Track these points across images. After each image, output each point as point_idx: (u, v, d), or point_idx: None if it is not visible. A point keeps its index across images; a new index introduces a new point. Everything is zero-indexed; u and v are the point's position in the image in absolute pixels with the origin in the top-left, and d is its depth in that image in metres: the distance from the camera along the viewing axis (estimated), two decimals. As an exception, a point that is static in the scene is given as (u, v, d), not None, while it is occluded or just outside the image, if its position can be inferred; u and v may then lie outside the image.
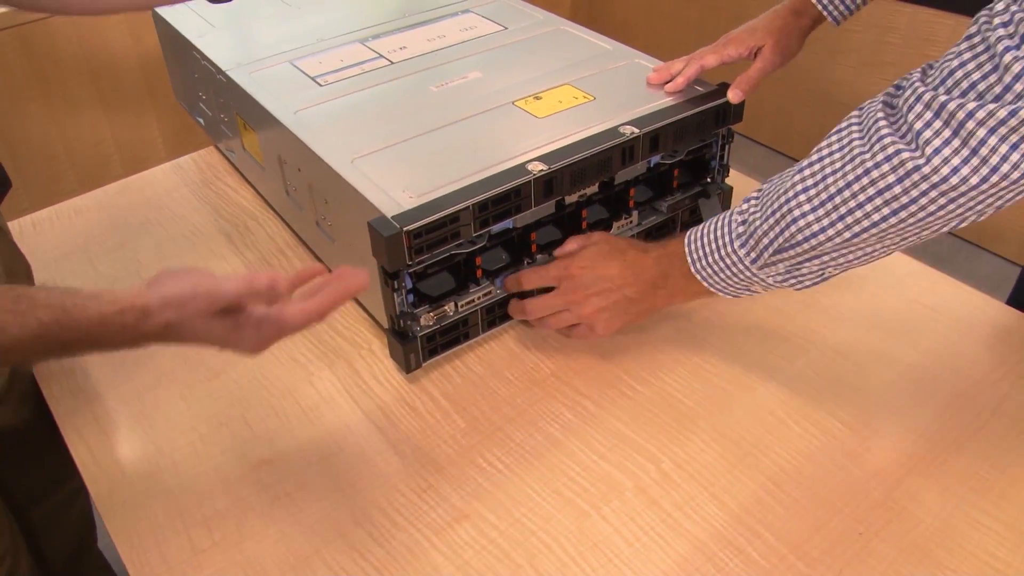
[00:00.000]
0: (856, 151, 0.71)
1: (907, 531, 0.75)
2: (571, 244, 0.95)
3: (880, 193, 0.69)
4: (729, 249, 0.82)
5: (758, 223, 0.79)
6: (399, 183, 0.88)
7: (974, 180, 0.64)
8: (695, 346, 0.95)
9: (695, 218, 1.10)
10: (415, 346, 0.91)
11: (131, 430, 0.90)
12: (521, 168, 0.89)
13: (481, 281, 0.94)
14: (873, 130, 0.70)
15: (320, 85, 1.06)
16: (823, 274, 0.80)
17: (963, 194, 0.66)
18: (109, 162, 2.13)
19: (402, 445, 0.86)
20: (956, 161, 0.64)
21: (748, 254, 0.80)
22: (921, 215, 0.69)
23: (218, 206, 1.23)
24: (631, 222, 1.05)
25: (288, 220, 1.16)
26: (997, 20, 0.63)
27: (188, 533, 0.79)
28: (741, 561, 0.74)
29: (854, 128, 0.73)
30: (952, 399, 0.87)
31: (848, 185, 0.71)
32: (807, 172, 0.76)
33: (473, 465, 0.83)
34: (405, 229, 0.81)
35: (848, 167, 0.72)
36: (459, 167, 0.90)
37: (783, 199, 0.77)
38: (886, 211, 0.70)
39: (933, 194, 0.66)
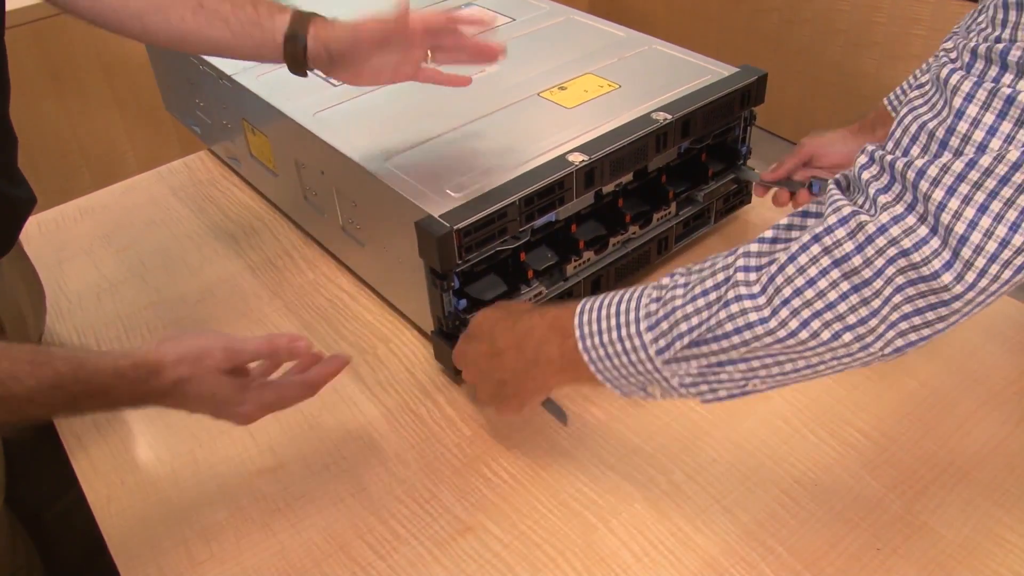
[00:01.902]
0: (810, 222, 0.61)
1: (927, 548, 0.72)
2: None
3: (836, 264, 0.57)
4: (633, 330, 0.66)
5: (679, 302, 0.64)
6: (439, 181, 0.86)
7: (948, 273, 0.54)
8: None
9: (728, 206, 1.09)
10: None
11: (131, 438, 0.88)
12: (562, 160, 0.87)
13: (532, 282, 0.92)
14: (827, 202, 0.59)
15: (334, 85, 1.04)
16: (744, 386, 0.65)
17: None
18: (124, 160, 2.12)
19: (406, 454, 0.84)
20: (922, 231, 0.54)
21: (656, 340, 0.65)
22: (884, 290, 0.56)
23: (224, 207, 1.21)
24: (669, 213, 1.03)
25: (305, 226, 1.14)
26: (943, 56, 0.57)
27: (186, 544, 0.77)
28: (754, 577, 0.71)
29: (811, 208, 0.63)
30: (975, 408, 0.84)
31: (792, 259, 0.58)
32: (752, 248, 0.63)
33: (478, 475, 0.81)
34: (456, 227, 0.79)
35: (795, 242, 0.59)
36: (497, 162, 0.88)
37: (720, 276, 0.63)
38: (845, 286, 0.57)
39: (900, 263, 0.55)
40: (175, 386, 0.69)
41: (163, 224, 1.18)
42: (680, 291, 0.65)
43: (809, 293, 0.58)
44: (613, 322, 0.68)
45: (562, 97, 0.99)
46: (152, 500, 0.81)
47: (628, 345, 0.67)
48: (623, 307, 0.68)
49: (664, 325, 0.65)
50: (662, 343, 0.65)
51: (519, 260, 0.90)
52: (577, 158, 0.87)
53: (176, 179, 1.28)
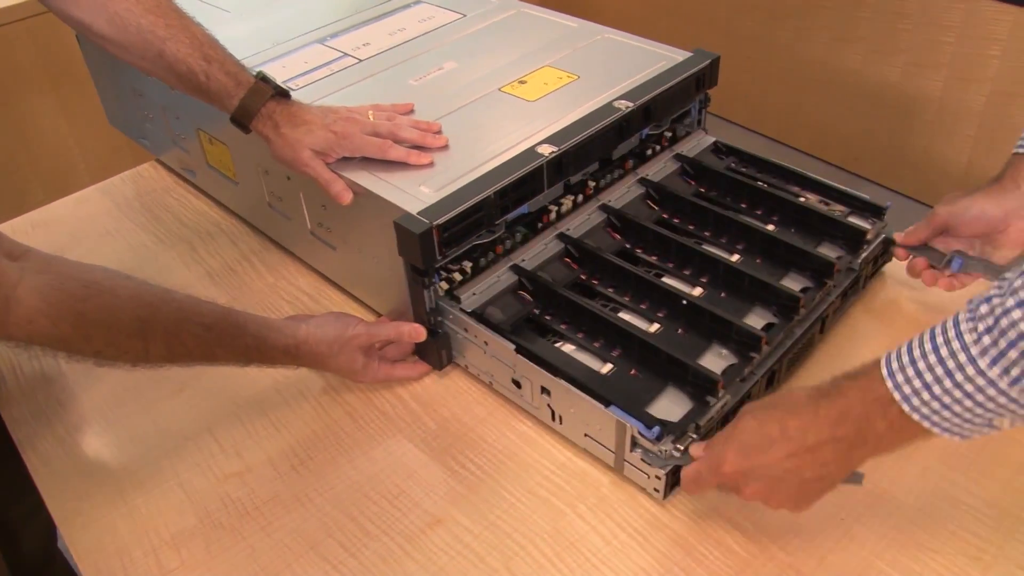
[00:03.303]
0: None
1: (888, 515, 0.74)
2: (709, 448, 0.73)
3: None
4: (971, 371, 0.60)
5: (1017, 316, 0.57)
6: (411, 180, 0.87)
7: None
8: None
9: (875, 269, 0.96)
10: (446, 341, 0.89)
11: (94, 449, 0.88)
12: (531, 152, 0.88)
13: (719, 392, 0.78)
14: None
15: (293, 89, 1.04)
16: None
17: None
18: (76, 172, 2.09)
19: (372, 450, 0.84)
20: None
21: (1006, 372, 0.58)
22: None
23: (180, 214, 1.20)
24: (831, 286, 0.90)
25: (269, 232, 1.13)
26: None
27: (155, 553, 0.77)
28: (722, 553, 0.72)
29: None
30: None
31: None
32: None
33: (445, 468, 0.81)
34: (435, 224, 0.80)
35: None
36: (467, 158, 0.89)
37: None
38: None
39: None
40: (320, 362, 0.87)
41: (118, 234, 1.17)
42: (1018, 313, 0.58)
43: None
44: (940, 371, 0.61)
45: (523, 91, 1.00)
46: (120, 511, 0.81)
47: (970, 388, 0.60)
48: (943, 352, 0.61)
49: (1013, 354, 0.58)
50: (1016, 372, 0.58)
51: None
52: (546, 149, 0.88)
53: (130, 189, 1.27)
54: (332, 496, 0.80)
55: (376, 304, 0.98)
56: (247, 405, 0.90)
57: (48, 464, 0.86)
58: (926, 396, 0.62)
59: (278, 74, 1.07)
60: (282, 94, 0.90)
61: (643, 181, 1.02)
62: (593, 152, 0.94)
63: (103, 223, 1.20)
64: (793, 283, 0.89)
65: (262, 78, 0.89)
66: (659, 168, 1.04)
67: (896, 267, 0.97)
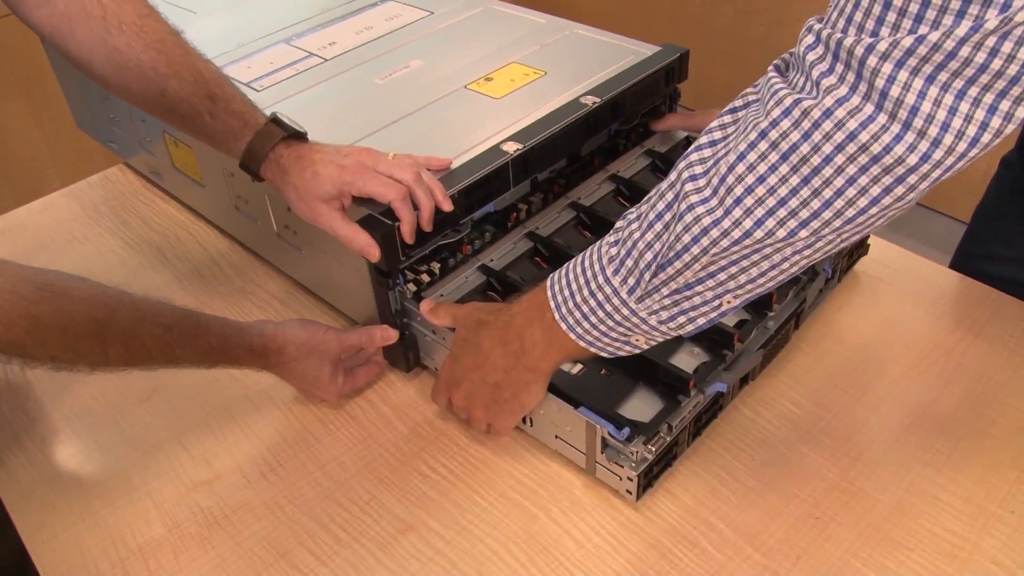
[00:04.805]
0: (750, 118, 0.59)
1: (864, 513, 0.73)
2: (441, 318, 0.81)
3: (784, 158, 0.55)
4: (601, 280, 0.65)
5: (637, 235, 0.63)
6: None
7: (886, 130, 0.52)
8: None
9: (851, 261, 0.97)
10: (413, 343, 0.88)
11: (61, 460, 0.86)
12: (496, 150, 0.87)
13: (691, 391, 0.77)
14: (767, 90, 0.58)
15: (257, 91, 1.03)
16: (718, 306, 0.64)
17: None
18: (46, 177, 2.07)
19: (343, 456, 0.82)
20: (867, 109, 0.52)
21: (625, 281, 0.64)
22: (835, 179, 0.54)
23: (148, 218, 1.18)
24: (803, 281, 0.89)
25: (236, 235, 1.11)
26: None
27: (123, 564, 0.75)
28: (696, 555, 0.71)
29: (749, 96, 0.62)
30: (905, 372, 0.85)
31: (741, 157, 0.57)
32: (693, 157, 0.62)
33: (416, 473, 0.80)
34: (398, 224, 0.79)
35: (742, 138, 0.58)
36: (435, 156, 0.87)
37: (669, 196, 0.62)
38: (795, 180, 0.55)
39: (848, 149, 0.53)
40: (286, 365, 0.83)
41: (85, 240, 1.15)
42: (635, 224, 0.64)
43: (760, 190, 0.57)
44: (582, 280, 0.66)
45: (489, 88, 0.99)
46: (86, 523, 0.79)
47: (600, 297, 0.65)
48: (587, 262, 0.66)
49: (629, 262, 0.63)
50: (631, 281, 0.63)
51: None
52: (511, 147, 0.87)
53: (97, 193, 1.25)
54: (303, 503, 0.79)
55: (345, 308, 0.96)
56: (216, 411, 0.88)
57: (13, 475, 0.84)
58: (571, 304, 0.67)
59: (243, 75, 1.05)
60: (297, 136, 0.82)
61: (614, 178, 1.01)
62: (560, 149, 0.92)
63: (69, 229, 1.18)
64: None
65: (274, 119, 0.82)
66: (629, 164, 1.03)
67: (871, 261, 0.97)
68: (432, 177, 0.82)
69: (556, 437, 0.78)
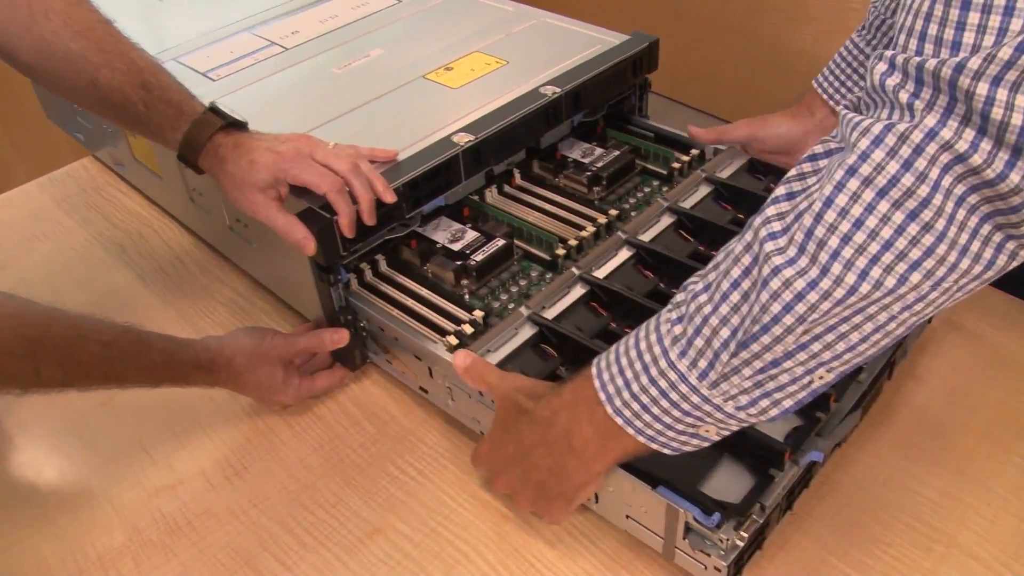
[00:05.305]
0: (835, 161, 0.51)
1: (841, 507, 0.72)
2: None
3: (882, 194, 0.47)
4: (664, 364, 0.55)
5: (708, 309, 0.54)
6: None
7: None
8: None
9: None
10: (361, 341, 0.85)
11: (17, 467, 0.84)
12: (447, 141, 0.84)
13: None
14: (847, 127, 0.50)
15: (213, 80, 1.00)
16: (809, 384, 0.54)
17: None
18: (9, 171, 2.03)
19: (309, 458, 0.80)
20: (968, 134, 0.45)
21: (694, 364, 0.54)
22: (946, 205, 0.47)
23: (110, 215, 1.15)
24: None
25: (193, 228, 1.09)
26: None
27: (81, 575, 0.73)
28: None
29: (831, 144, 0.54)
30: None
31: (829, 203, 0.49)
32: (770, 212, 0.53)
33: (384, 474, 0.78)
34: (336, 217, 0.76)
35: (825, 180, 0.50)
36: (381, 148, 0.85)
37: (746, 260, 0.53)
38: (899, 217, 0.47)
39: (956, 169, 0.46)
40: (237, 377, 0.80)
41: (45, 237, 1.12)
42: (704, 297, 0.54)
43: (859, 237, 0.48)
44: (639, 366, 0.56)
45: (448, 78, 0.96)
46: (44, 532, 0.76)
47: (664, 384, 0.55)
48: (643, 344, 0.57)
49: (699, 342, 0.54)
50: (703, 363, 0.54)
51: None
52: (463, 138, 0.84)
53: (58, 189, 1.22)
54: (268, 507, 0.77)
55: (298, 305, 0.93)
56: (179, 414, 0.86)
57: (-32, 484, 0.82)
58: (627, 395, 0.57)
59: (201, 64, 1.03)
60: (236, 125, 0.79)
61: (674, 209, 0.90)
62: (517, 140, 0.90)
63: (29, 227, 1.15)
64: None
65: (212, 108, 0.79)
66: (689, 193, 0.93)
67: (977, 312, 0.89)
68: (372, 169, 0.79)
69: (627, 517, 0.68)
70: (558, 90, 0.91)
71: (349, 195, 0.76)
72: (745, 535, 0.61)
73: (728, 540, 0.61)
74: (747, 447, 0.67)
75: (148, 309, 0.99)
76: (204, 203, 0.99)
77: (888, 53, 0.48)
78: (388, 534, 0.73)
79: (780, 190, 0.54)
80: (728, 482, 0.67)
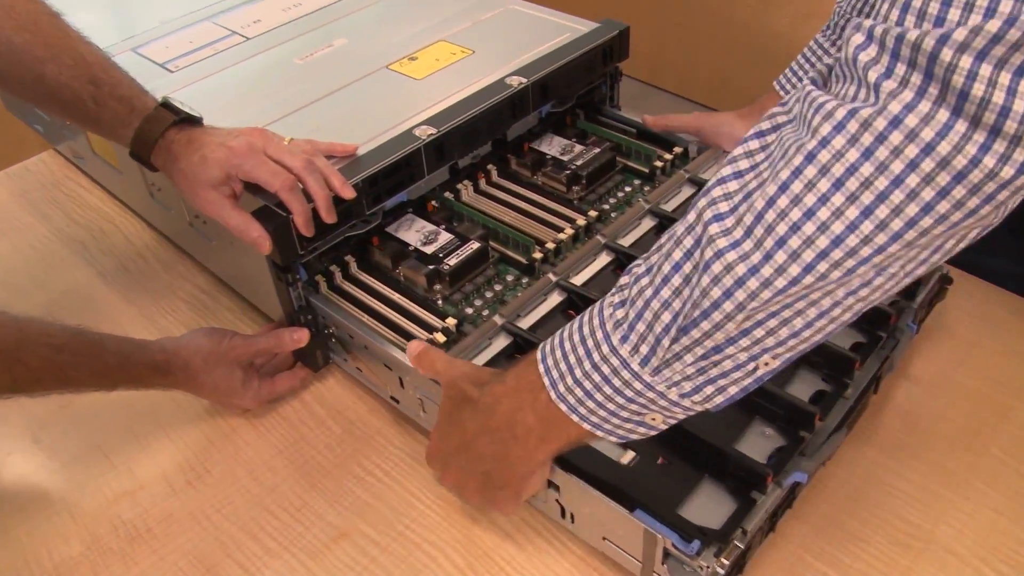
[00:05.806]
0: (789, 140, 0.48)
1: (818, 505, 0.70)
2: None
3: (838, 185, 0.45)
4: (606, 349, 0.53)
5: (649, 292, 0.52)
6: None
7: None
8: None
9: (929, 310, 0.82)
10: (322, 342, 0.83)
11: (-29, 473, 0.81)
12: (408, 135, 0.82)
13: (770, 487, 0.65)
14: (807, 105, 0.48)
15: (171, 71, 0.97)
16: (754, 370, 0.52)
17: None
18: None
19: (274, 460, 0.78)
20: (941, 116, 0.42)
21: (636, 349, 0.52)
22: (907, 207, 0.44)
23: (70, 210, 1.12)
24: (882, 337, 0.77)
25: (154, 223, 1.06)
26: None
27: (37, 586, 0.71)
28: (643, 554, 0.68)
29: (779, 118, 0.51)
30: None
31: (784, 187, 0.47)
32: (716, 192, 0.51)
33: (350, 475, 0.76)
34: (292, 215, 0.73)
35: (783, 164, 0.48)
36: (337, 142, 0.82)
37: (688, 241, 0.51)
38: (853, 213, 0.45)
39: (924, 166, 0.43)
40: (194, 378, 0.78)
41: (2, 235, 1.09)
42: (646, 280, 0.52)
43: (809, 228, 0.46)
44: (582, 351, 0.54)
45: (412, 68, 0.94)
46: (-2, 542, 0.74)
47: (607, 369, 0.53)
48: (586, 329, 0.55)
49: (640, 327, 0.52)
50: (644, 349, 0.52)
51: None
52: (425, 131, 0.82)
53: (16, 184, 1.19)
54: (231, 512, 0.75)
55: (259, 303, 0.91)
56: (140, 416, 0.83)
57: (-81, 492, 0.79)
58: (570, 380, 0.55)
59: (160, 54, 1.00)
60: (189, 121, 0.76)
61: (655, 212, 0.88)
62: (482, 133, 0.87)
63: (-14, 223, 1.12)
64: (838, 339, 0.72)
65: (164, 103, 0.76)
66: (672, 194, 0.91)
67: (951, 304, 0.86)
68: (328, 164, 0.76)
69: (604, 539, 0.65)
70: (524, 80, 0.88)
71: (304, 192, 0.74)
72: (726, 562, 0.59)
73: (708, 568, 0.59)
74: (728, 469, 0.65)
75: (109, 307, 0.96)
76: (164, 199, 0.96)
77: (867, 23, 0.45)
78: (354, 538, 0.71)
79: (726, 170, 0.51)
80: (709, 505, 0.64)
